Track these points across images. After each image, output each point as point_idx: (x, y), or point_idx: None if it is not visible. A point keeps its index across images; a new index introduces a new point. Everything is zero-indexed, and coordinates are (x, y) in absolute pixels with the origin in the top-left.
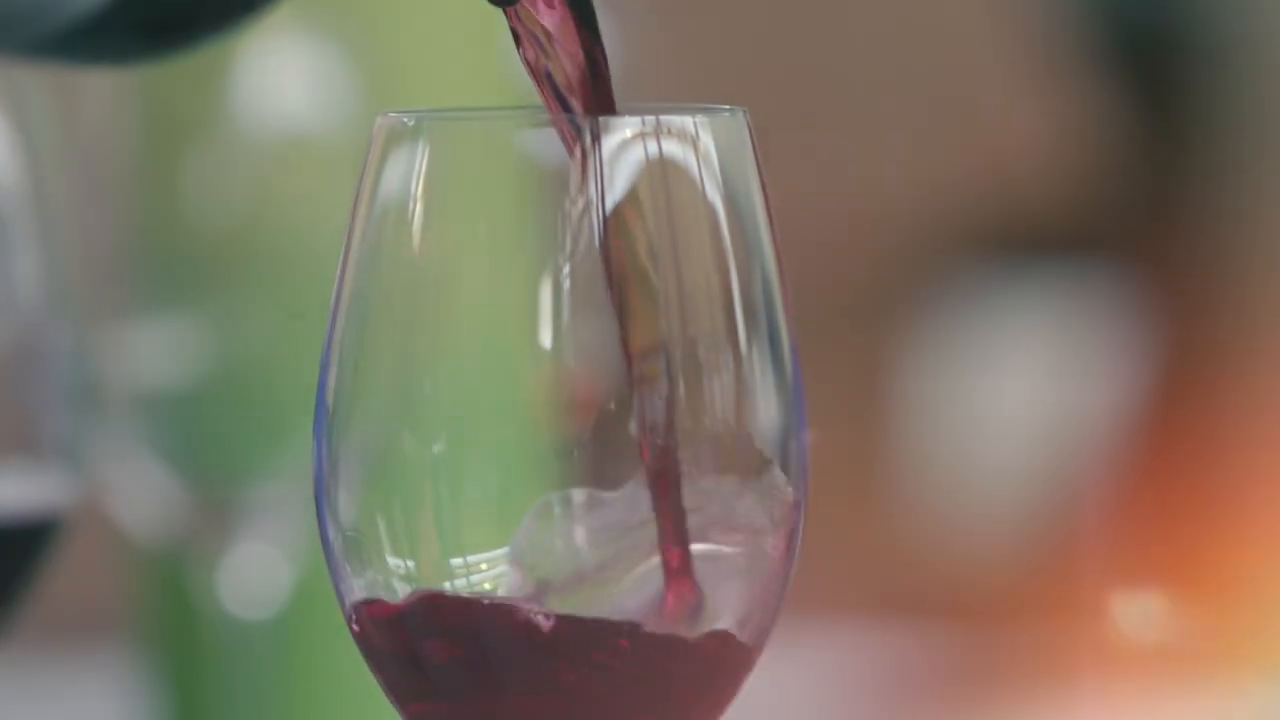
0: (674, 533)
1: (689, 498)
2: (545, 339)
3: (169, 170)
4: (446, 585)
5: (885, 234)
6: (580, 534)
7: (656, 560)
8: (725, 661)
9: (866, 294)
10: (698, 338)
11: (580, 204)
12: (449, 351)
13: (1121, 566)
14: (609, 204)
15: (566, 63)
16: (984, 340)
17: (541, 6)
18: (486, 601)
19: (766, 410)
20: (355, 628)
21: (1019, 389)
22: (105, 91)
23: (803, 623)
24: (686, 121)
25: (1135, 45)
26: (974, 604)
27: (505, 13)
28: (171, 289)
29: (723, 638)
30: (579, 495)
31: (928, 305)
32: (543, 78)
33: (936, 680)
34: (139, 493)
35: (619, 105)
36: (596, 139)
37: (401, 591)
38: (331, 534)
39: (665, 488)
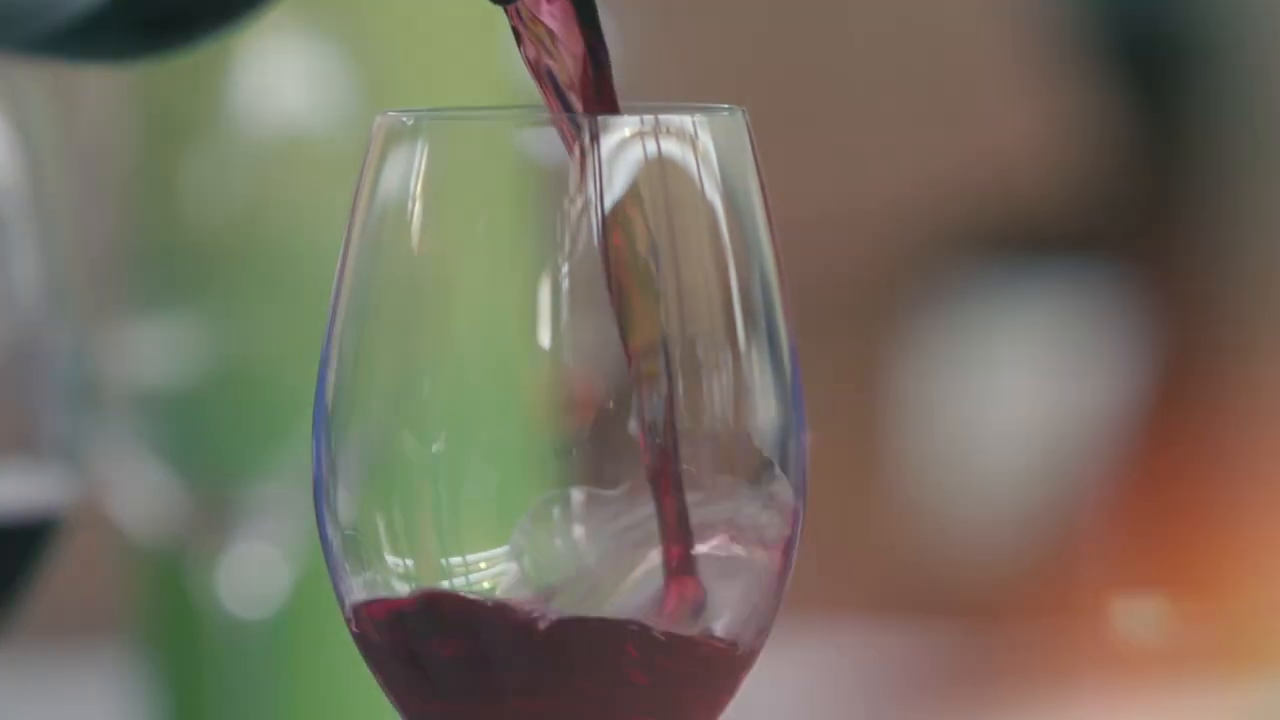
0: (676, 530)
1: (687, 497)
2: (544, 338)
3: (168, 170)
4: (445, 584)
5: (884, 234)
6: (579, 533)
7: (656, 559)
8: (724, 661)
9: (866, 293)
10: (696, 337)
11: (579, 203)
12: (448, 351)
13: (1121, 566)
14: (608, 203)
15: (568, 60)
16: (983, 340)
17: (543, 4)
18: (486, 601)
19: (765, 410)
20: (354, 627)
21: (1018, 389)
22: (104, 92)
23: (801, 623)
24: (685, 121)
25: (1135, 45)
26: (974, 604)
27: (506, 11)
28: (171, 288)
29: (721, 637)
30: (578, 494)
31: (927, 305)
32: (544, 76)
33: (936, 680)
34: (138, 492)
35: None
36: (595, 138)
37: (401, 590)
38: (330, 533)
39: (666, 486)
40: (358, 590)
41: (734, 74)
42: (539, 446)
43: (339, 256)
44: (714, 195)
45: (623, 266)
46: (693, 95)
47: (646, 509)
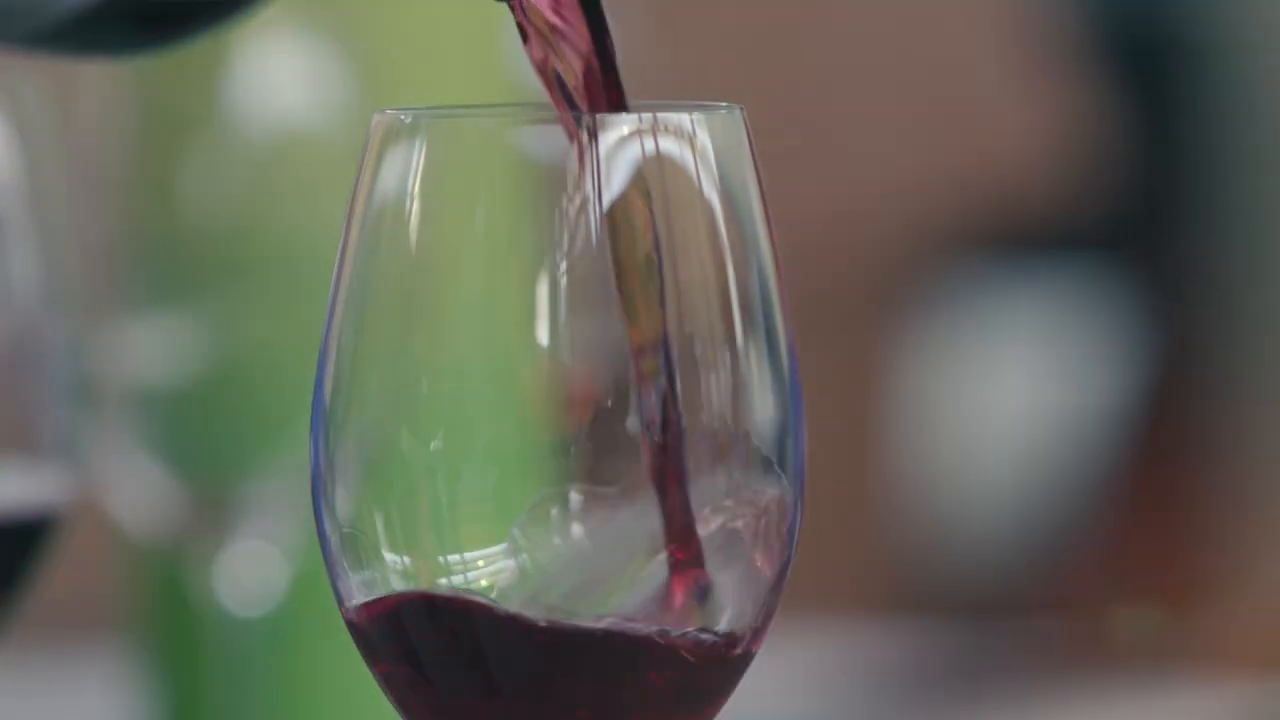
0: (681, 526)
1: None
2: (542, 336)
3: (166, 168)
4: (443, 582)
5: (883, 233)
6: (577, 531)
7: (654, 556)
8: (722, 660)
9: (864, 292)
10: (695, 335)
11: (577, 201)
12: (446, 348)
13: (1120, 566)
14: (606, 201)
15: (573, 56)
16: (982, 339)
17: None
18: (483, 599)
19: (763, 408)
20: (352, 624)
21: (1017, 388)
22: (102, 89)
23: (800, 622)
24: (684, 119)
25: (1133, 45)
26: (973, 604)
27: (510, 6)
28: (168, 286)
29: (720, 636)
30: (576, 492)
31: (925, 303)
32: (549, 73)
33: (935, 680)
34: (136, 490)
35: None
36: (594, 136)
37: (399, 588)
38: (328, 530)
39: (669, 481)
40: (355, 588)
41: (731, 72)
42: (537, 444)
43: (337, 254)
44: (712, 194)
45: (622, 264)
46: (690, 94)
47: (645, 506)
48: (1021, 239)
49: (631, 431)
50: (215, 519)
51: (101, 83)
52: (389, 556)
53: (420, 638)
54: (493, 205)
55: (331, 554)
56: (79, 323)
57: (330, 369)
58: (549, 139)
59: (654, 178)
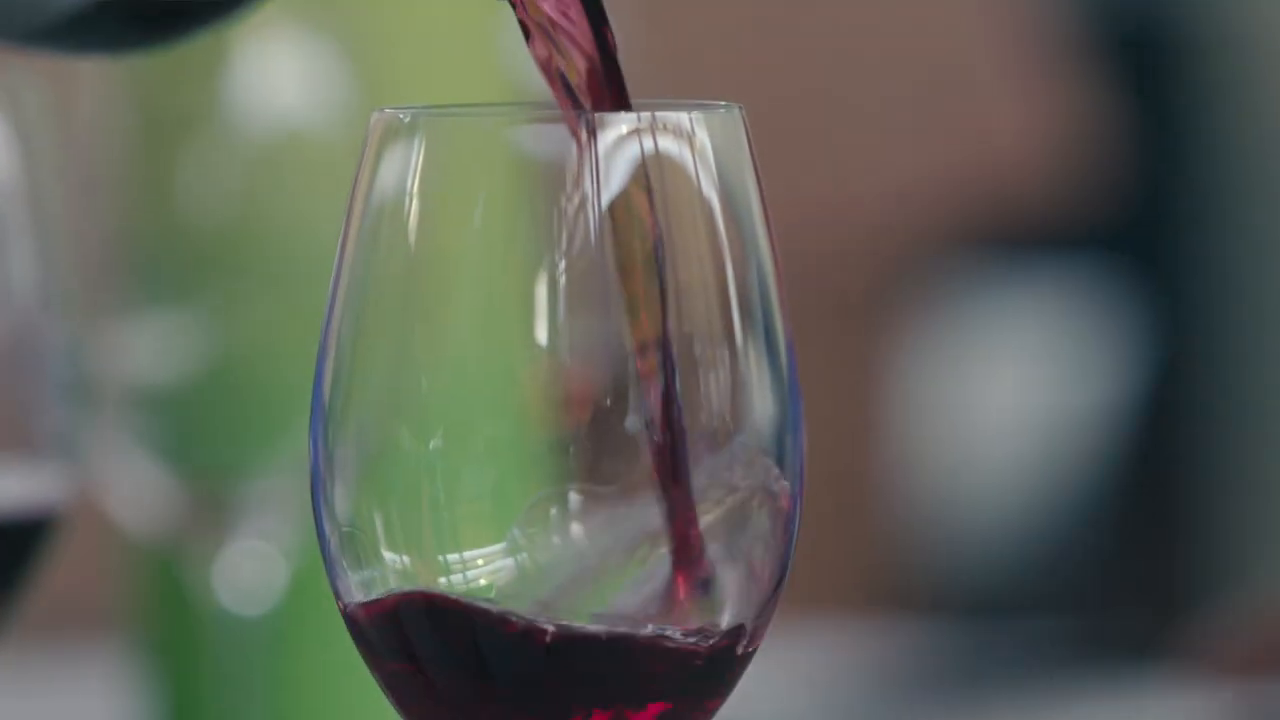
0: (683, 522)
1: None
2: (541, 335)
3: (164, 167)
4: (442, 581)
5: (881, 230)
6: (576, 530)
7: (654, 556)
8: (721, 659)
9: (863, 290)
10: (694, 334)
11: (576, 200)
12: (445, 347)
13: (1119, 566)
14: (605, 200)
15: (575, 53)
16: (980, 337)
17: None
18: (482, 598)
19: (762, 406)
20: (351, 624)
21: (1015, 386)
22: (100, 89)
23: (799, 621)
24: (683, 118)
25: (1132, 43)
26: (973, 604)
27: (512, 3)
28: (167, 285)
29: (718, 634)
30: (575, 491)
31: (924, 301)
32: (552, 71)
33: (935, 679)
34: (135, 489)
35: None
36: (593, 134)
37: (398, 587)
38: (327, 530)
39: (668, 480)
40: (355, 587)
41: (730, 71)
42: (536, 443)
43: (336, 253)
44: (711, 192)
45: (621, 262)
46: (690, 92)
47: (644, 506)
48: (1020, 238)
49: (631, 431)
50: (214, 518)
51: (100, 83)
52: (388, 556)
53: (419, 637)
54: (492, 204)
55: (331, 553)
56: (78, 322)
57: (329, 368)
58: (548, 138)
59: (653, 177)
